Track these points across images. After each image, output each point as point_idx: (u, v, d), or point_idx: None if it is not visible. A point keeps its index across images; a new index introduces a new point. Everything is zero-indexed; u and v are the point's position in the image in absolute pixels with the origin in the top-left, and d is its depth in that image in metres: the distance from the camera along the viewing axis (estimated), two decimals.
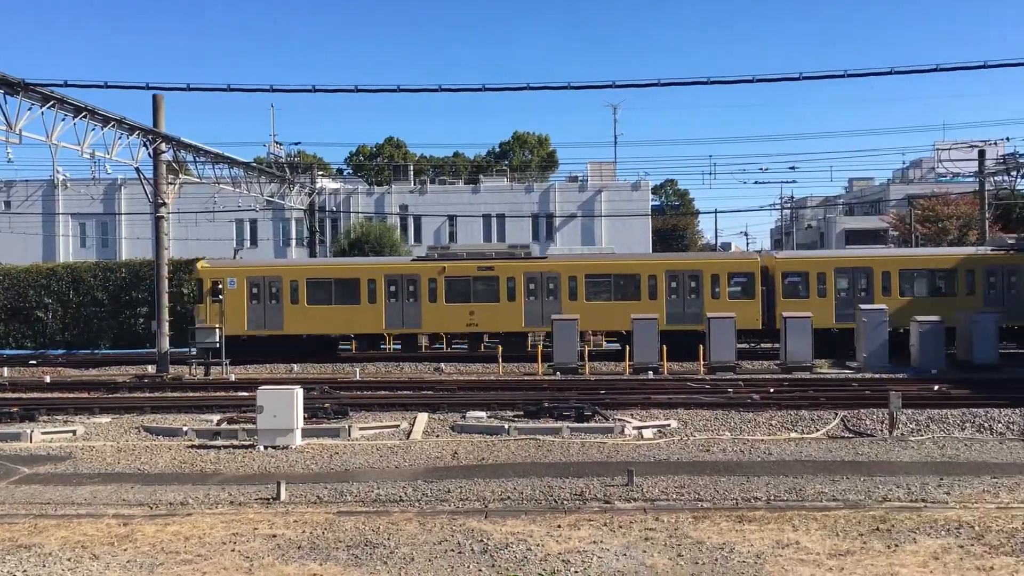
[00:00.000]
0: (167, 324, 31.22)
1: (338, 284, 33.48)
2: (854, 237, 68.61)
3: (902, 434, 18.48)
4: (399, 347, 35.04)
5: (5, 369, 33.21)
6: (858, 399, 21.43)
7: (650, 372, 28.20)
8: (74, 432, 19.81)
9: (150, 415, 21.60)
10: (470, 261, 33.56)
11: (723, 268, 32.95)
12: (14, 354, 38.58)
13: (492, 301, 32.92)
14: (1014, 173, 42.18)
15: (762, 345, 33.74)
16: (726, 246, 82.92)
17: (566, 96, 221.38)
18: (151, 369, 31.74)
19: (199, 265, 34.63)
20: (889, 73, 23.67)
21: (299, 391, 18.23)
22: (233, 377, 29.56)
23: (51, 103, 24.86)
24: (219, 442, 18.69)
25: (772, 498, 13.37)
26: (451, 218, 58.13)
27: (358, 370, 30.13)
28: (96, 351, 39.58)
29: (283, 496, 13.73)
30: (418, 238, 58.56)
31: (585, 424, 19.27)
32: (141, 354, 36.74)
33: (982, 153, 44.28)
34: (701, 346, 28.95)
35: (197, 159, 34.84)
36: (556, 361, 29.19)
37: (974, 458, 16.25)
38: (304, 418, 18.65)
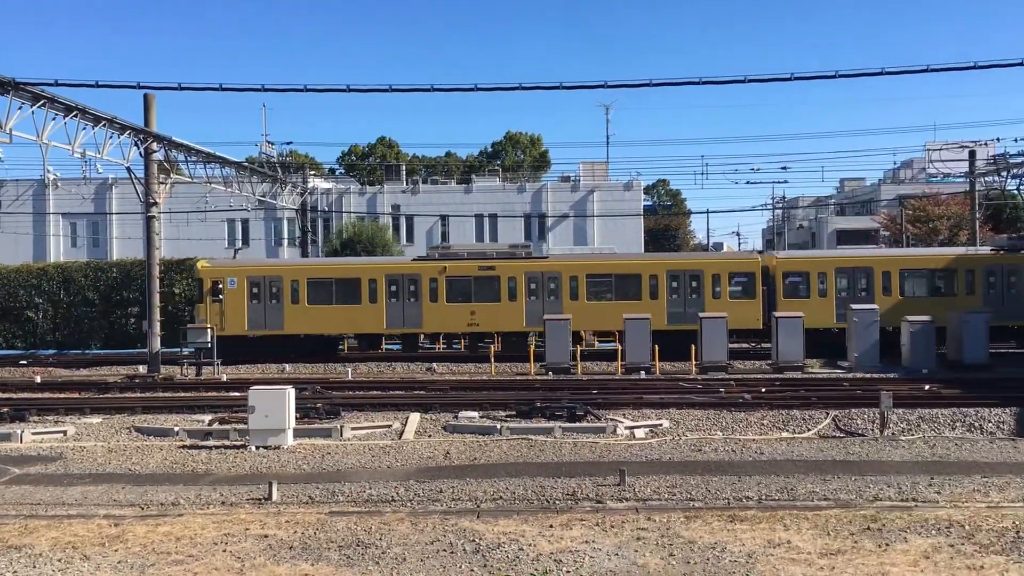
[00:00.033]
0: (158, 324, 31.15)
1: (339, 284, 33.45)
2: (845, 237, 68.81)
3: (893, 434, 18.54)
4: (399, 347, 35.13)
5: None
6: (849, 399, 21.48)
7: (642, 372, 28.23)
8: (65, 432, 19.73)
9: (141, 415, 21.53)
10: (471, 261, 33.56)
11: (724, 268, 33.03)
12: (4, 354, 38.37)
13: (493, 301, 32.92)
14: (1004, 174, 42.33)
15: (763, 345, 33.80)
16: (718, 246, 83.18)
17: (558, 96, 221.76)
18: (142, 369, 31.65)
19: (199, 265, 34.55)
20: (880, 74, 23.76)
21: (291, 391, 18.20)
22: (225, 377, 29.50)
23: (42, 102, 24.78)
24: (211, 442, 18.64)
25: (763, 498, 13.41)
26: (443, 218, 58.09)
27: (350, 370, 30.09)
28: (87, 351, 39.44)
29: (275, 496, 13.71)
30: (410, 238, 58.53)
31: (577, 424, 19.28)
32: (132, 354, 36.60)
33: (972, 154, 44.44)
34: (693, 346, 29.00)
35: (188, 158, 34.75)
36: (548, 361, 29.20)
37: (964, 457, 16.31)
38: (296, 418, 18.63)
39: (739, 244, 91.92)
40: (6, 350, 39.80)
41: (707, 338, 28.48)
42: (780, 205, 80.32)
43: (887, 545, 10.89)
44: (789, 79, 22.96)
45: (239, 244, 57.56)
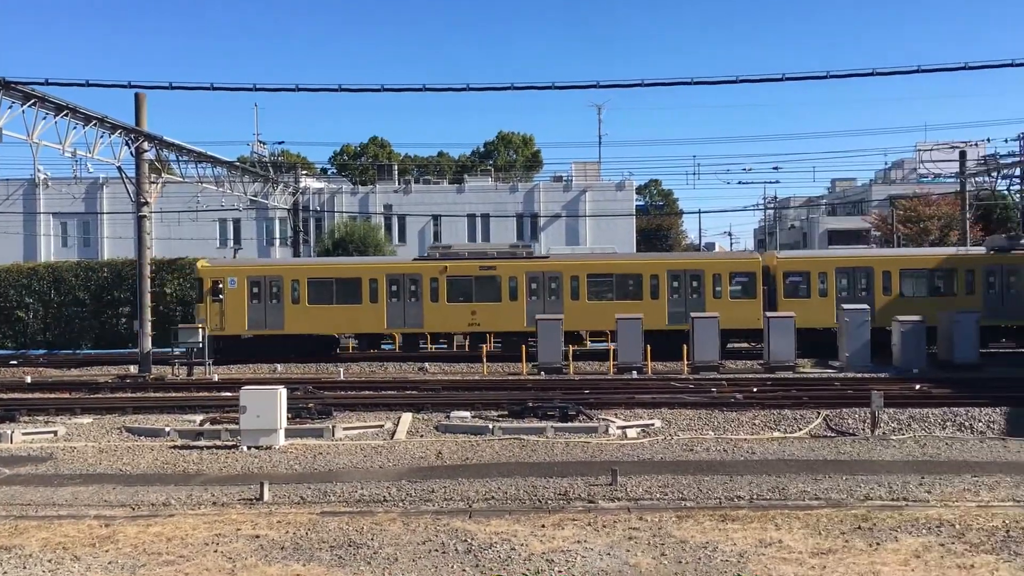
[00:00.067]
0: (149, 324, 31.07)
1: (339, 284, 33.40)
2: (836, 237, 69.00)
3: (884, 433, 18.60)
4: (399, 346, 35.09)
5: None
6: (840, 398, 21.53)
7: (634, 372, 28.26)
8: (55, 433, 19.67)
9: (132, 415, 21.46)
10: (472, 260, 33.57)
11: (725, 268, 33.10)
12: None
13: (494, 301, 32.94)
14: (995, 174, 42.50)
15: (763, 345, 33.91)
16: (710, 246, 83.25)
17: (551, 96, 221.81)
18: (133, 369, 31.56)
19: (199, 264, 34.47)
20: (871, 74, 23.82)
21: (282, 391, 18.17)
22: (216, 377, 29.43)
23: (32, 101, 24.69)
24: (202, 442, 18.60)
25: (755, 497, 13.43)
26: (435, 218, 58.04)
27: (342, 370, 30.05)
28: (78, 351, 39.28)
29: (266, 497, 13.69)
30: (402, 238, 58.45)
31: (569, 424, 19.29)
32: (123, 354, 36.45)
33: (963, 154, 44.61)
34: (685, 346, 29.05)
35: (180, 158, 34.64)
36: (540, 361, 29.21)
37: (955, 457, 16.37)
38: (288, 418, 18.61)
39: (731, 244, 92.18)
40: None
41: (699, 338, 28.53)
42: (772, 205, 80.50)
43: (878, 544, 10.93)
44: (780, 79, 23.02)
45: (231, 244, 57.49)
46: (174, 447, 18.23)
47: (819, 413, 19.88)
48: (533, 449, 17.43)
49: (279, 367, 31.41)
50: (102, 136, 28.24)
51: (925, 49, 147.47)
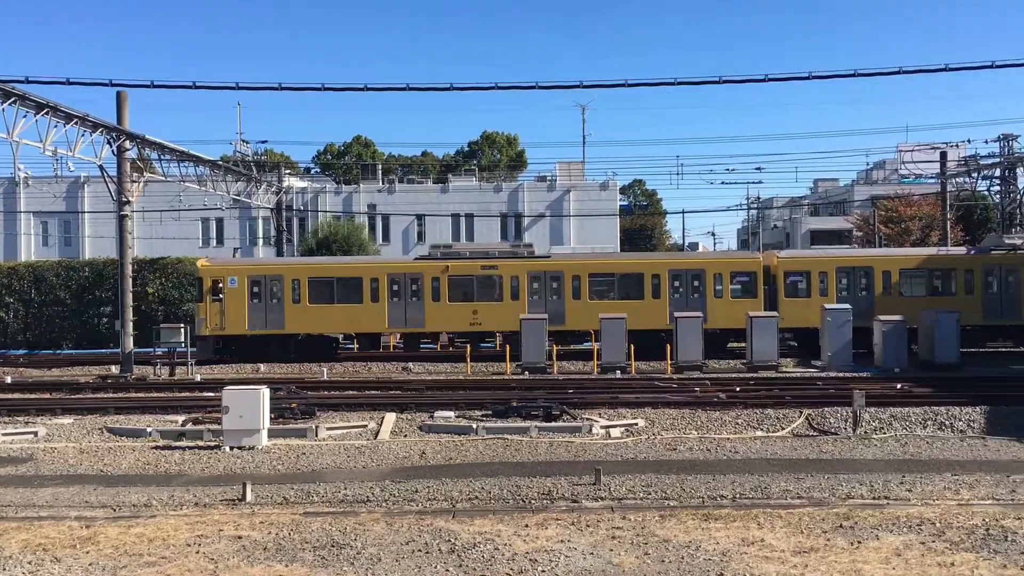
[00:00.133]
0: (131, 324, 30.87)
1: (340, 283, 33.30)
2: (819, 237, 69.41)
3: (865, 432, 18.70)
4: (400, 346, 35.04)
5: None
6: (823, 398, 21.64)
7: (618, 371, 28.31)
8: (36, 433, 19.50)
9: (114, 416, 21.33)
10: (473, 260, 33.54)
11: (726, 267, 33.22)
12: None
13: (495, 300, 32.93)
14: (975, 175, 42.90)
15: None
16: (693, 246, 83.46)
17: (535, 96, 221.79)
18: (115, 369, 31.36)
19: (199, 263, 34.29)
20: (852, 75, 24.04)
21: (265, 391, 18.09)
22: (199, 377, 29.28)
23: (12, 99, 24.49)
24: (184, 443, 18.51)
25: (738, 496, 13.49)
26: (420, 217, 57.98)
27: (325, 370, 29.97)
28: (59, 351, 39.01)
29: (249, 497, 13.63)
30: (386, 237, 58.38)
31: (553, 423, 19.31)
32: (105, 354, 36.26)
33: (944, 155, 44.96)
34: (668, 346, 29.12)
35: (162, 157, 34.42)
36: (524, 360, 29.22)
37: (935, 456, 16.49)
38: (271, 418, 18.53)
39: (714, 244, 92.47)
40: None
41: (682, 338, 28.62)
42: (755, 205, 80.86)
43: (859, 543, 10.99)
44: (764, 80, 23.19)
45: (213, 243, 57.22)
46: (156, 447, 18.13)
47: (801, 412, 19.97)
48: (517, 449, 17.44)
49: (262, 367, 31.30)
50: (83, 135, 28.05)
51: (929, 49, 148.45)
